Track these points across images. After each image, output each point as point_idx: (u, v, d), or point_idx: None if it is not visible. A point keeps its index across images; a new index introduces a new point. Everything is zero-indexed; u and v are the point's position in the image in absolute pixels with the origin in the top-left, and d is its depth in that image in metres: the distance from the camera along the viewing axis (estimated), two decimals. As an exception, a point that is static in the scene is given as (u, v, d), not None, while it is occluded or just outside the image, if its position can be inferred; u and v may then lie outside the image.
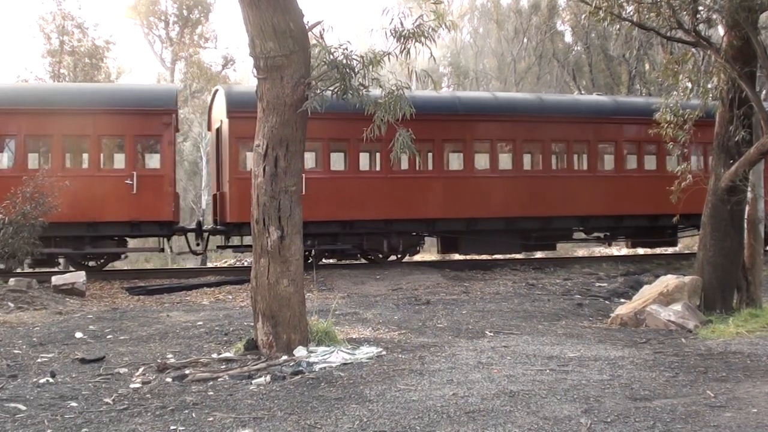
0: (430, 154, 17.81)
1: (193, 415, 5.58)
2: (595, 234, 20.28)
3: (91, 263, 16.62)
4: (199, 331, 9.36)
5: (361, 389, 6.28)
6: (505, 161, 19.53)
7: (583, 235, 20.39)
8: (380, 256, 17.91)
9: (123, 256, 17.71)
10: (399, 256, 18.08)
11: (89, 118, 15.89)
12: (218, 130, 17.91)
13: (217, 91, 18.79)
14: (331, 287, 14.54)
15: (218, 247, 18.75)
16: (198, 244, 17.69)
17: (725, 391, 6.09)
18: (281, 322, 7.57)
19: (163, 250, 18.05)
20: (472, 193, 17.53)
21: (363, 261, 18.30)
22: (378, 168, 18.13)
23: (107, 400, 6.09)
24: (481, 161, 19.45)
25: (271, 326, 7.57)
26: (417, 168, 17.52)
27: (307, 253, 15.54)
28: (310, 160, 18.54)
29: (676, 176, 11.76)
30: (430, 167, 17.86)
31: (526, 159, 19.53)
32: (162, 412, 5.65)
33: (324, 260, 17.92)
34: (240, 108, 16.12)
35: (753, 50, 9.93)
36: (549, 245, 19.86)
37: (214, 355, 7.76)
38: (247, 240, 16.45)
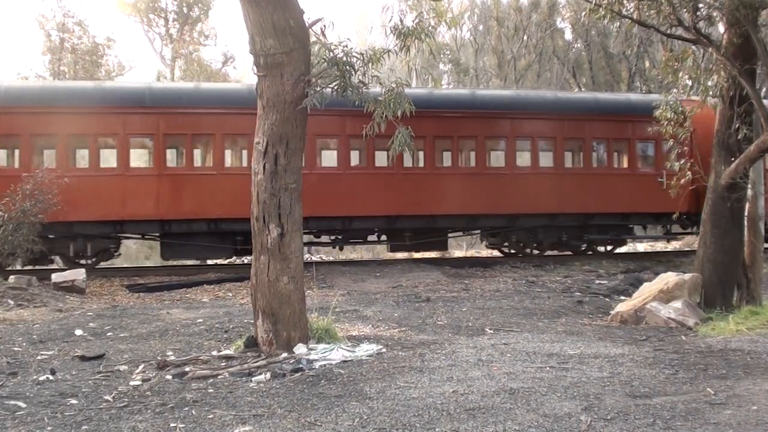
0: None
1: (193, 412, 5.58)
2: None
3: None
4: (199, 329, 9.37)
5: (361, 387, 6.28)
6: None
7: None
8: None
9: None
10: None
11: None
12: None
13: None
14: (331, 284, 14.54)
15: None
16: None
17: (725, 389, 6.09)
18: (281, 319, 7.57)
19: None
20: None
21: (363, 259, 18.41)
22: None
23: (107, 397, 6.09)
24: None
25: (271, 324, 7.57)
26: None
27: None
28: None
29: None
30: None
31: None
32: (162, 410, 5.66)
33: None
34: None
35: (753, 48, 9.92)
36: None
37: (214, 353, 7.76)
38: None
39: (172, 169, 16.54)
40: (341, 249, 19.85)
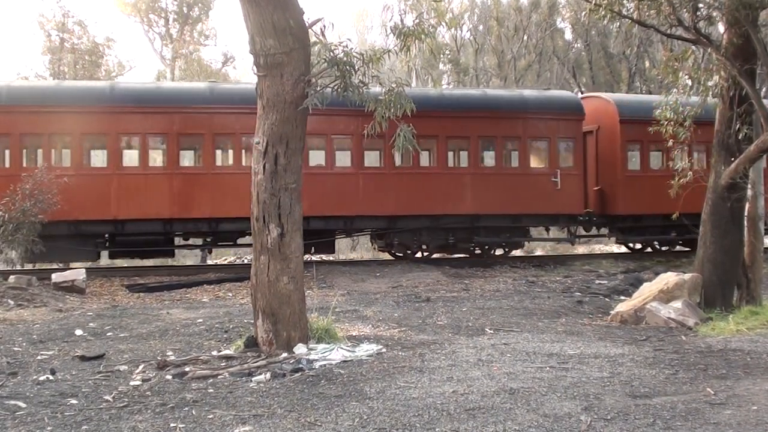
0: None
1: (193, 412, 5.58)
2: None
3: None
4: (199, 329, 9.37)
5: (361, 386, 6.28)
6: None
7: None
8: None
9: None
10: None
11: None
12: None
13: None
14: (331, 284, 14.54)
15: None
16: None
17: (725, 389, 6.09)
18: (281, 319, 7.57)
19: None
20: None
21: (363, 259, 18.39)
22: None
23: (107, 397, 6.09)
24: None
25: (271, 324, 7.57)
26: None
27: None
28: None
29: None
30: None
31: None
32: (162, 410, 5.66)
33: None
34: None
35: (753, 48, 9.92)
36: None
37: (214, 353, 7.76)
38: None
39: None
40: (210, 252, 19.53)
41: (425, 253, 18.07)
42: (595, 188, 18.83)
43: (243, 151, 16.32)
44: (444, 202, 17.13)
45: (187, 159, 17.33)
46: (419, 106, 17.52)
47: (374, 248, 19.39)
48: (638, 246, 20.06)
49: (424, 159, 17.78)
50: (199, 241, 17.79)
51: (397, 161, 17.28)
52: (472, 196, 17.22)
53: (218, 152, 16.95)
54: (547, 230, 19.23)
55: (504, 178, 17.70)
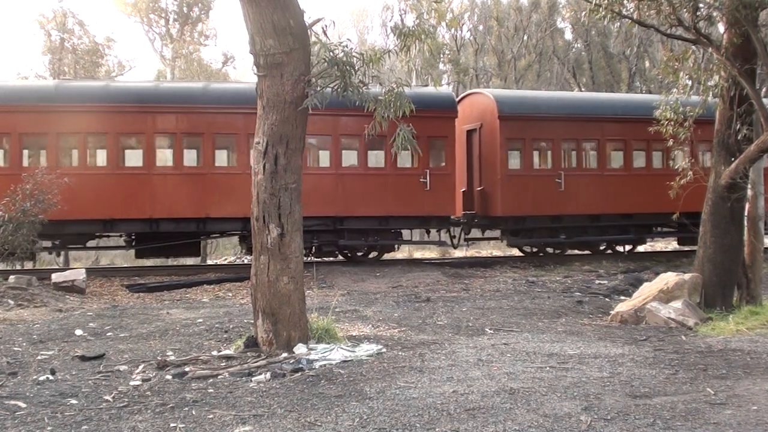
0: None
1: (193, 412, 5.58)
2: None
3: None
4: (199, 329, 9.37)
5: (361, 387, 6.28)
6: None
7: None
8: None
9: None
10: None
11: None
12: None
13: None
14: (331, 284, 14.54)
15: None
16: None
17: (725, 389, 6.09)
18: (281, 319, 7.57)
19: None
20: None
21: (363, 258, 18.28)
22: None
23: (107, 397, 6.09)
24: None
25: (271, 324, 7.57)
26: None
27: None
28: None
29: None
30: None
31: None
32: (162, 410, 5.66)
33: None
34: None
35: (753, 48, 9.92)
36: None
37: (214, 353, 7.76)
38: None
39: None
40: (59, 255, 19.09)
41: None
42: (479, 188, 18.27)
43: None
44: (304, 203, 16.25)
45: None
46: (244, 103, 15.74)
47: (242, 251, 18.62)
48: (534, 249, 19.35)
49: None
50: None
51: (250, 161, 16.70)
52: (335, 197, 16.45)
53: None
54: (428, 233, 18.14)
55: (369, 178, 16.91)
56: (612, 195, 18.06)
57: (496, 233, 19.14)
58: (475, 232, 19.43)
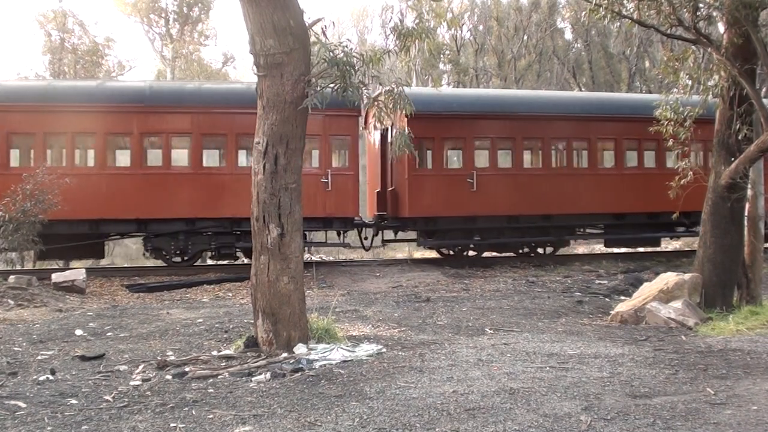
0: None
1: (193, 412, 5.58)
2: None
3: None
4: (199, 329, 9.37)
5: (361, 386, 6.28)
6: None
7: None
8: None
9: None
10: None
11: None
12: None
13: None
14: (330, 284, 14.54)
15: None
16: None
17: (725, 389, 6.09)
18: (281, 319, 7.57)
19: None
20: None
21: (363, 259, 18.31)
22: None
23: (107, 397, 6.09)
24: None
25: (271, 324, 7.57)
26: None
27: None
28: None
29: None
30: None
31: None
32: (162, 410, 5.66)
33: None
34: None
35: (753, 48, 9.92)
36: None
37: (214, 353, 7.76)
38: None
39: None
40: None
41: (185, 258, 16.81)
42: (390, 189, 17.97)
43: None
44: (200, 205, 16.05)
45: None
46: (171, 103, 16.26)
47: (144, 255, 18.17)
48: (451, 252, 18.88)
49: (183, 158, 16.90)
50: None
51: (149, 161, 16.40)
52: (232, 199, 15.95)
53: None
54: (339, 234, 17.45)
55: None
56: (530, 196, 17.49)
57: (414, 234, 18.47)
58: (417, 234, 18.51)
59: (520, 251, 18.81)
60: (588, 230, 19.13)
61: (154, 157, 16.67)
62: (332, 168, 16.63)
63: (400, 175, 17.36)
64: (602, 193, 17.96)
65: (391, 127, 17.55)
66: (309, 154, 17.10)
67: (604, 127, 18.31)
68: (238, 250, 16.99)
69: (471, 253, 18.59)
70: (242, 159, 16.88)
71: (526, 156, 18.88)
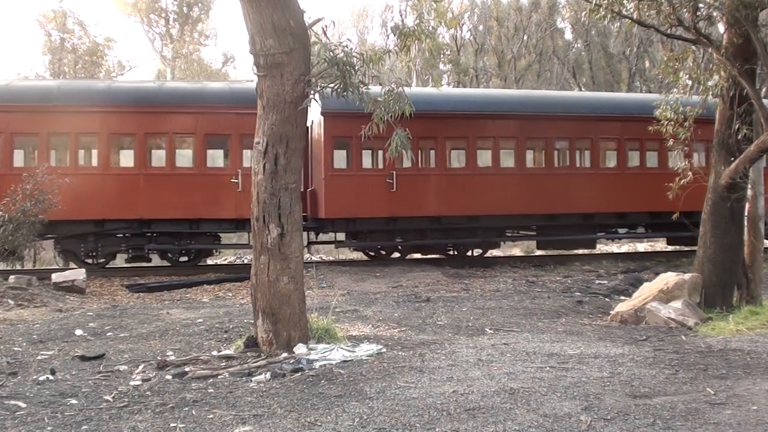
0: None
1: (193, 412, 5.58)
2: None
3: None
4: (199, 329, 9.37)
5: (361, 386, 6.28)
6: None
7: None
8: None
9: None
10: None
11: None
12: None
13: None
14: (331, 284, 14.54)
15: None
16: None
17: (725, 389, 6.09)
18: (281, 319, 7.57)
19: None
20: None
21: (363, 259, 18.25)
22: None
23: (107, 397, 6.09)
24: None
25: (271, 324, 7.57)
26: None
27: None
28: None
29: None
30: None
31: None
32: (162, 410, 5.66)
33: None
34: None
35: (753, 48, 9.92)
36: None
37: (214, 353, 7.76)
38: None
39: None
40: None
41: (100, 261, 16.45)
42: (309, 189, 17.60)
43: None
44: (107, 205, 15.67)
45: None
46: (82, 102, 15.75)
47: (54, 258, 17.84)
48: (372, 253, 18.48)
49: (88, 158, 16.64)
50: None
51: (53, 160, 15.87)
52: (141, 199, 15.73)
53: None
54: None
55: (176, 178, 16.08)
56: (454, 196, 17.05)
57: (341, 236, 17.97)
58: (345, 235, 17.99)
59: (453, 253, 18.34)
60: (523, 232, 18.82)
61: (62, 157, 16.19)
62: (243, 168, 15.95)
63: (318, 175, 17.01)
64: (531, 193, 17.44)
65: (311, 125, 17.48)
66: (218, 153, 16.90)
67: (534, 126, 17.78)
68: (151, 252, 16.68)
69: (396, 255, 18.20)
70: (157, 159, 16.65)
71: (452, 156, 18.45)
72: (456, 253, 18.41)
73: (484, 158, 18.01)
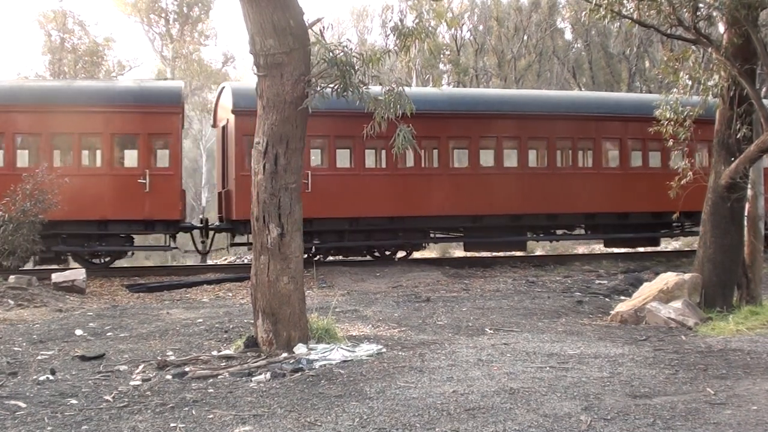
0: None
1: (193, 412, 5.58)
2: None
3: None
4: (199, 329, 9.37)
5: (361, 386, 6.28)
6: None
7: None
8: None
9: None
10: None
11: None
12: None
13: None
14: (331, 284, 14.54)
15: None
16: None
17: (725, 389, 6.09)
18: (281, 319, 7.57)
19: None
20: None
21: (363, 258, 18.22)
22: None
23: (107, 397, 6.09)
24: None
25: (271, 323, 7.57)
26: None
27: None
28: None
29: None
30: None
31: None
32: (162, 410, 5.66)
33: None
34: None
35: (753, 48, 9.92)
36: None
37: (214, 353, 7.76)
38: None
39: None
40: None
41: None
42: (224, 190, 17.29)
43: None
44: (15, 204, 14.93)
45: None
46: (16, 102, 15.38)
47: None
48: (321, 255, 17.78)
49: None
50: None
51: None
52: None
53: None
54: (173, 238, 16.83)
55: (84, 179, 15.51)
56: (372, 197, 16.54)
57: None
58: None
59: (378, 255, 18.03)
60: (451, 233, 18.47)
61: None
62: (151, 168, 15.87)
63: (230, 175, 16.64)
64: (456, 194, 17.01)
65: (225, 124, 17.31)
66: (126, 153, 16.61)
67: (457, 125, 17.34)
68: (61, 254, 16.29)
69: (319, 257, 17.67)
70: (64, 158, 16.31)
71: (368, 156, 18.01)
72: (378, 255, 18.09)
73: (406, 159, 17.29)
